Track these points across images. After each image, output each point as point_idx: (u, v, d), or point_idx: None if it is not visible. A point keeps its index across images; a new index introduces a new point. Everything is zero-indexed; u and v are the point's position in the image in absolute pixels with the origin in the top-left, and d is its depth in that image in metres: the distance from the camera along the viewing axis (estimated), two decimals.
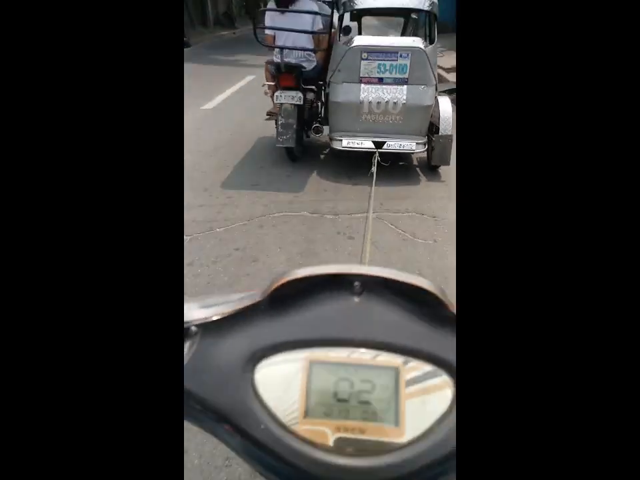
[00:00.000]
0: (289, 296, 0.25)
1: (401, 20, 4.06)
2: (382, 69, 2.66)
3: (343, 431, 0.23)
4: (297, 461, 0.23)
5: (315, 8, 2.97)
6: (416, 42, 2.68)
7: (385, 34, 4.60)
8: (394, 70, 2.66)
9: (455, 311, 0.25)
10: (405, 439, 0.23)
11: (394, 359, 0.24)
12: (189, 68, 6.77)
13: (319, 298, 0.25)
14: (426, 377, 0.24)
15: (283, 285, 0.25)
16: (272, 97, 2.95)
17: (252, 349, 0.25)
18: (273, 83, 2.96)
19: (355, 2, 2.70)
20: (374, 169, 2.58)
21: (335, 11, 2.83)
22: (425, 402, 0.24)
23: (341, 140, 2.84)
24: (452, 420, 0.23)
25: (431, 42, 2.83)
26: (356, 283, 0.25)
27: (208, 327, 0.25)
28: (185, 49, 8.89)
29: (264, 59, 3.36)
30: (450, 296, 0.26)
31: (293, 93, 2.78)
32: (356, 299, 0.25)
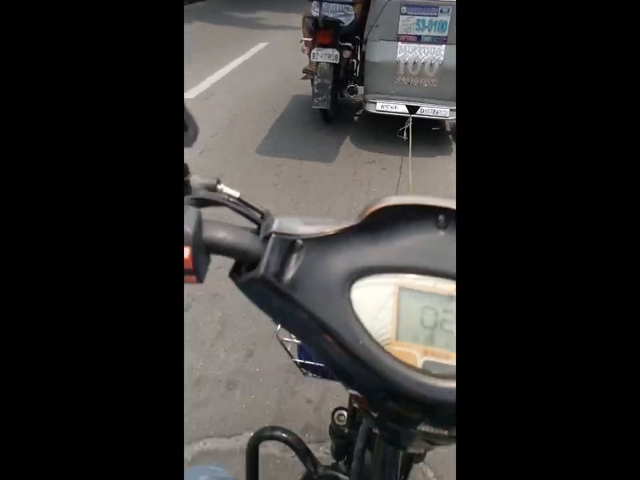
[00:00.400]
0: (381, 222, 0.26)
1: None
2: (421, 26, 2.54)
3: (430, 355, 0.25)
4: (392, 377, 0.25)
5: None
6: None
7: None
8: (433, 27, 2.53)
9: None
10: None
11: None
12: (195, 28, 5.92)
13: (407, 227, 0.26)
14: None
15: (376, 212, 0.26)
16: (309, 54, 2.91)
17: (350, 268, 0.26)
18: (310, 39, 2.90)
19: None
20: (409, 136, 2.56)
21: None
22: None
23: (375, 103, 2.80)
24: None
25: None
26: (440, 217, 0.26)
27: (312, 243, 0.27)
28: (199, 2, 7.84)
29: (287, 18, 3.20)
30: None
31: (329, 51, 2.73)
32: (441, 233, 0.26)
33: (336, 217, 0.30)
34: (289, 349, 0.57)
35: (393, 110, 2.80)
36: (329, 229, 0.27)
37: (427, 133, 3.11)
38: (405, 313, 0.26)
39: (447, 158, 2.87)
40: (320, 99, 2.83)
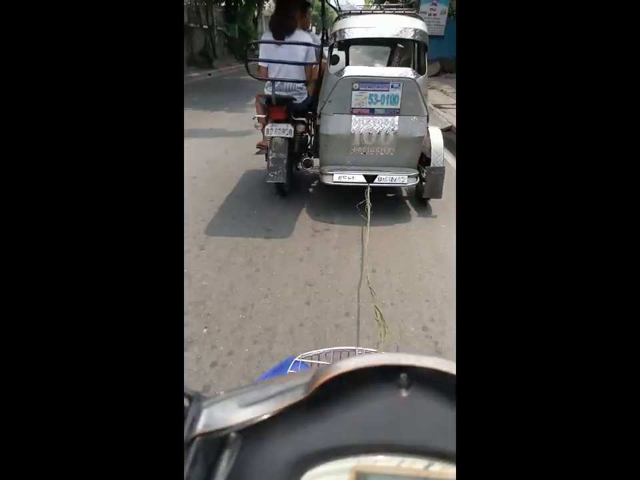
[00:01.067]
0: (333, 392, 0.24)
1: (387, 49, 4.11)
2: (373, 100, 2.63)
3: None
4: None
5: (309, 38, 2.95)
6: (407, 72, 2.66)
7: (371, 63, 4.64)
8: (385, 100, 2.63)
9: None
10: None
11: (449, 469, 0.22)
12: None
13: (364, 394, 0.24)
14: None
15: (326, 382, 0.24)
16: (262, 130, 2.89)
17: (297, 457, 0.23)
18: (264, 116, 2.91)
19: (346, 32, 2.68)
20: (368, 206, 2.51)
21: (325, 41, 2.81)
22: None
23: (332, 174, 2.78)
24: None
25: (421, 72, 2.81)
26: (402, 375, 0.24)
27: (248, 432, 0.24)
28: None
29: (211, 118, 3.25)
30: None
31: (283, 126, 2.74)
32: (403, 393, 0.24)
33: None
34: None
35: (351, 180, 2.79)
36: (270, 407, 0.24)
37: (384, 201, 3.11)
38: None
39: (405, 225, 2.84)
40: (275, 173, 2.77)
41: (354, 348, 0.83)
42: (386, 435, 0.23)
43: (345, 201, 2.95)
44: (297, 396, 0.24)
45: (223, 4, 15.97)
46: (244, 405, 0.25)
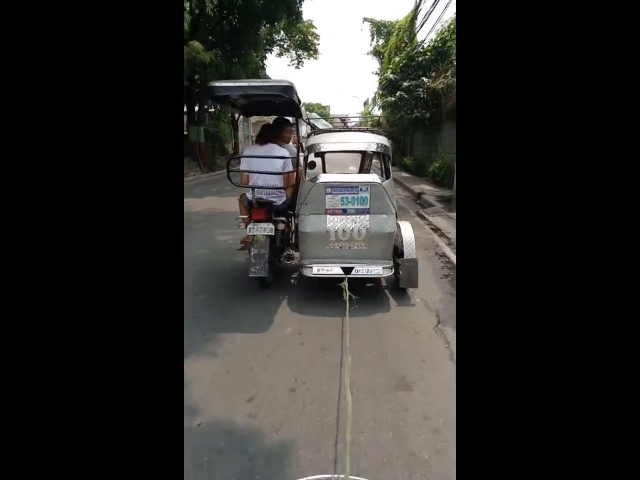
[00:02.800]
0: None
1: (358, 156, 4.63)
2: (345, 201, 2.93)
3: None
4: None
5: (286, 152, 3.34)
6: (374, 177, 3.01)
7: (347, 166, 5.14)
8: (356, 202, 2.93)
9: None
10: None
11: None
12: None
13: None
14: None
15: None
16: (245, 228, 3.11)
17: None
18: (246, 216, 3.15)
19: (319, 146, 3.08)
20: (346, 297, 2.61)
21: (300, 152, 3.20)
22: None
23: (311, 267, 2.95)
24: None
25: (387, 177, 3.18)
26: None
27: None
28: None
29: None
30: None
31: (264, 225, 2.96)
32: None
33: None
34: None
35: (329, 272, 2.94)
36: None
37: (364, 291, 3.24)
38: None
39: (385, 314, 2.92)
40: (257, 267, 2.92)
41: (330, 476, 0.85)
42: None
43: (325, 292, 3.06)
44: None
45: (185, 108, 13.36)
46: None
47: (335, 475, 0.84)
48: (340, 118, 3.70)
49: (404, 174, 12.73)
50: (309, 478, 0.83)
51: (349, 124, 3.99)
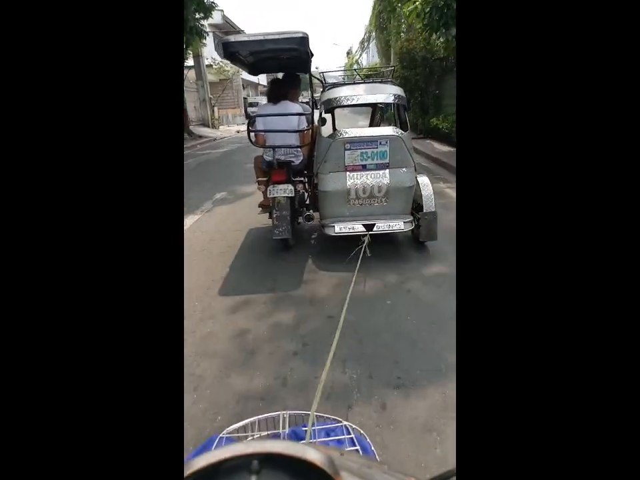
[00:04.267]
0: None
1: (368, 109, 4.51)
2: (364, 157, 2.91)
3: None
4: None
5: (299, 108, 3.27)
6: (393, 130, 2.96)
7: (356, 120, 5.03)
8: (375, 156, 2.91)
9: None
10: None
11: None
12: None
13: None
14: None
15: (188, 476, 0.25)
16: (264, 191, 3.12)
17: None
18: (265, 178, 3.15)
19: (335, 101, 3.01)
20: (366, 251, 2.66)
21: (314, 109, 3.14)
22: None
23: (333, 226, 2.98)
24: None
25: (404, 129, 3.13)
26: (253, 462, 0.25)
27: None
28: None
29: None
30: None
31: (284, 186, 2.97)
32: (253, 478, 0.25)
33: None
34: None
35: (351, 230, 2.98)
36: None
37: (384, 246, 3.29)
38: None
39: (406, 266, 3.00)
40: (280, 229, 2.96)
41: (278, 413, 0.80)
42: None
43: (345, 250, 3.12)
44: None
45: None
46: None
47: (285, 412, 0.80)
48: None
49: (437, 145, 8.12)
50: (259, 417, 0.80)
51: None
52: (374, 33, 16.97)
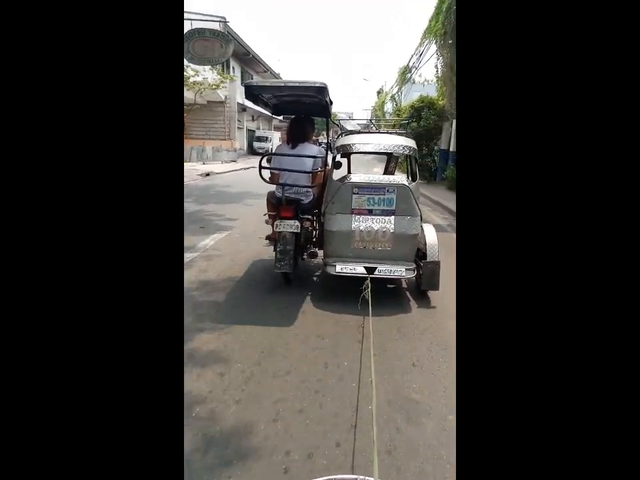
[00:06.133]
0: None
1: (384, 157, 4.67)
2: (371, 202, 2.98)
3: None
4: None
5: (316, 150, 3.41)
6: (401, 179, 3.05)
7: (372, 166, 5.19)
8: (382, 203, 2.97)
9: None
10: None
11: None
12: None
13: None
14: None
15: None
16: (272, 224, 3.20)
17: None
18: (273, 213, 3.24)
19: (347, 147, 3.14)
20: (369, 296, 2.66)
21: (329, 152, 3.27)
22: None
23: (335, 265, 3.01)
24: None
25: (414, 179, 3.22)
26: None
27: None
28: None
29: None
30: None
31: (291, 222, 3.04)
32: None
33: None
34: None
35: (352, 271, 3.00)
36: None
37: (385, 292, 3.28)
38: None
39: (406, 316, 2.96)
40: (282, 263, 3.00)
41: (356, 477, 0.81)
42: None
43: (347, 291, 3.12)
44: None
45: None
46: None
47: (361, 477, 0.79)
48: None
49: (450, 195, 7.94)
50: (335, 477, 0.80)
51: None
52: (434, 43, 10.03)
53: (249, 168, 13.97)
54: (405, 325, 2.81)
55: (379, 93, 25.58)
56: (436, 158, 12.09)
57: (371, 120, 4.95)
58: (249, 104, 14.91)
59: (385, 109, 21.59)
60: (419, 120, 11.59)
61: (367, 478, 0.80)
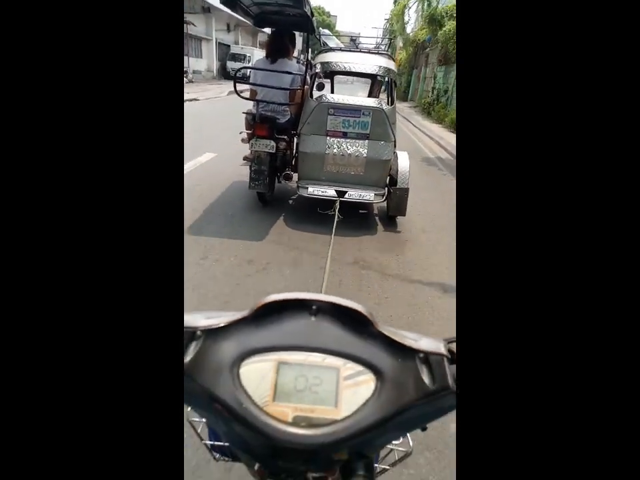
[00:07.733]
0: (267, 313, 0.35)
1: (368, 80, 4.52)
2: (346, 124, 2.98)
3: (299, 411, 0.32)
4: (266, 429, 0.32)
5: (296, 68, 3.30)
6: (377, 102, 3.03)
7: (357, 90, 5.03)
8: (357, 126, 2.98)
9: (379, 328, 0.35)
10: (340, 416, 0.32)
11: (336, 361, 0.33)
12: None
13: (287, 315, 0.35)
14: (357, 374, 0.33)
15: (263, 306, 0.35)
16: (248, 143, 3.19)
17: (239, 351, 0.34)
18: (250, 131, 3.21)
19: (331, 65, 3.06)
20: (335, 216, 2.79)
21: (308, 70, 3.18)
22: (356, 391, 0.33)
23: (307, 187, 3.10)
24: (373, 404, 0.32)
25: (391, 103, 3.20)
26: (313, 307, 0.35)
27: (209, 333, 0.34)
28: None
29: None
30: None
31: (266, 142, 3.03)
32: (312, 318, 0.35)
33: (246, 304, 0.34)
34: (199, 430, 0.57)
35: (323, 194, 3.10)
36: (225, 320, 0.34)
37: (356, 216, 3.42)
38: (282, 380, 0.33)
39: (372, 237, 3.14)
40: (256, 182, 3.06)
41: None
42: (299, 341, 0.34)
43: (320, 214, 3.25)
44: (244, 314, 0.34)
45: None
46: (207, 317, 0.35)
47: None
48: (351, 37, 3.55)
49: None
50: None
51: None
52: None
53: (208, 99, 11.82)
54: (366, 240, 3.00)
55: (395, 1, 17.84)
56: None
57: (352, 38, 4.67)
58: (216, 3, 11.87)
59: (406, 18, 15.80)
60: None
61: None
